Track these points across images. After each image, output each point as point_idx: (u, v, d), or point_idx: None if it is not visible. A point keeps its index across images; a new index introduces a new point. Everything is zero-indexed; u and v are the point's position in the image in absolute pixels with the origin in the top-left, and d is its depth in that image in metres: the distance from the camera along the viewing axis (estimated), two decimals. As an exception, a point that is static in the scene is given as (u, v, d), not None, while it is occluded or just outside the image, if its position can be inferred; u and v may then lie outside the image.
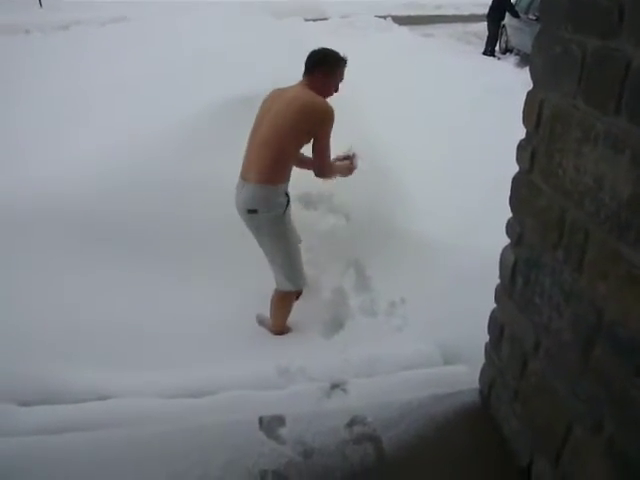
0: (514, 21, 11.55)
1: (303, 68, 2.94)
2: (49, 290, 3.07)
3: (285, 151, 2.82)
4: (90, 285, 3.19)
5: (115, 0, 17.08)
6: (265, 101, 3.02)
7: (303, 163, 3.08)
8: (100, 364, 2.60)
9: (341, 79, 3.00)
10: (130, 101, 4.85)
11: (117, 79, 5.49)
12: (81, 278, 3.22)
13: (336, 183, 3.40)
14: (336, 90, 2.99)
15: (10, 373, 2.40)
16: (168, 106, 4.42)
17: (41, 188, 3.61)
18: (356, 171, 3.26)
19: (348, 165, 3.24)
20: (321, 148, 2.89)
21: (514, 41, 12.04)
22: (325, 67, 2.93)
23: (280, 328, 3.18)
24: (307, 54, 2.95)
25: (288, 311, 3.17)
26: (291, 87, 2.97)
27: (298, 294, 3.24)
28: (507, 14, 11.94)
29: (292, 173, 2.94)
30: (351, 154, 3.30)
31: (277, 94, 2.98)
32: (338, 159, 3.25)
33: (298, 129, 2.83)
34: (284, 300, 3.12)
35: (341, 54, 2.98)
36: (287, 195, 2.92)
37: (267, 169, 2.79)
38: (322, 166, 2.97)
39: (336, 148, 3.11)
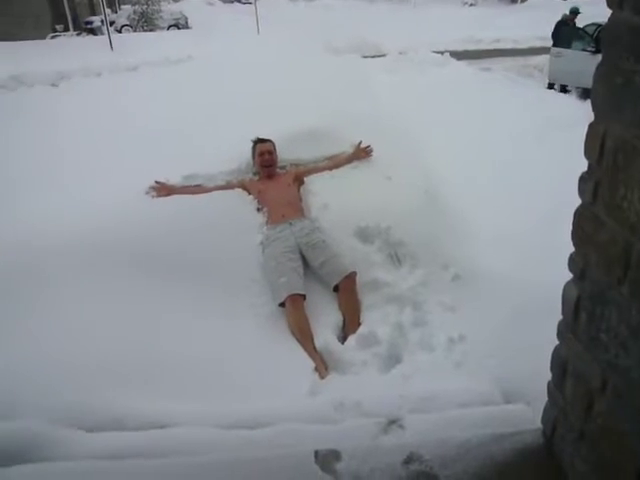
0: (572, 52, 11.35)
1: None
2: (111, 321, 3.13)
3: None
4: (151, 317, 3.25)
5: (182, 42, 17.86)
6: None
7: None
8: (161, 392, 2.65)
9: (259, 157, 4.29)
10: (193, 134, 5.08)
11: (179, 116, 5.75)
12: (141, 311, 3.27)
13: (393, 217, 3.42)
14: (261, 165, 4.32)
15: (78, 401, 2.48)
16: (230, 140, 4.63)
17: (103, 221, 3.75)
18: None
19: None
20: None
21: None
22: None
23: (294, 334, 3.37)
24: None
25: (291, 321, 3.39)
26: None
27: (293, 304, 3.43)
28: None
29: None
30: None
31: None
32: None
33: None
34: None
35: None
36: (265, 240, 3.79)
37: None
38: None
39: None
